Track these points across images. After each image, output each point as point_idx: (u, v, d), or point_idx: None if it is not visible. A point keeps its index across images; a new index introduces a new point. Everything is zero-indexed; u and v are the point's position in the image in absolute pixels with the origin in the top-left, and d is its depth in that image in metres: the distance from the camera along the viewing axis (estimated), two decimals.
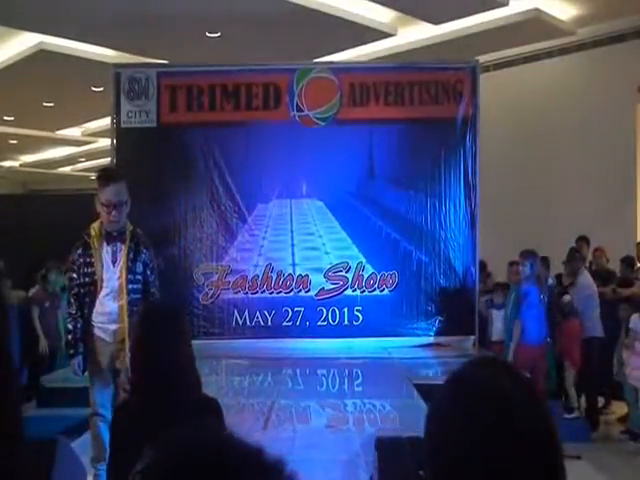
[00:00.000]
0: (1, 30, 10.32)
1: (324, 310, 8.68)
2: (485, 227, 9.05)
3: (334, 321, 8.68)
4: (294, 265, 8.84)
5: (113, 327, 4.35)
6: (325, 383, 7.64)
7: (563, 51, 10.87)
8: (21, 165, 21.38)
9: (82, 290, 4.33)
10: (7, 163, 21.10)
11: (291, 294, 8.79)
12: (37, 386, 7.29)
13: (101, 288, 4.32)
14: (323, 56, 10.84)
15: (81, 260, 4.32)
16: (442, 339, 8.69)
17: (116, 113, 8.85)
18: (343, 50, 11.01)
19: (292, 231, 8.96)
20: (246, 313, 8.74)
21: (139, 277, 4.36)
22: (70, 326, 4.39)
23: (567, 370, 7.35)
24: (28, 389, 7.89)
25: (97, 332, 4.36)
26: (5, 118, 15.48)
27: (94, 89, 12.29)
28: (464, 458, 1.02)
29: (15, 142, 17.83)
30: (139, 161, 8.80)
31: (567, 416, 7.02)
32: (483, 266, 9.20)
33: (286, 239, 8.92)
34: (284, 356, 8.16)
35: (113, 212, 4.24)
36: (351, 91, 8.88)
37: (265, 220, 8.97)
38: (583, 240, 8.61)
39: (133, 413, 2.31)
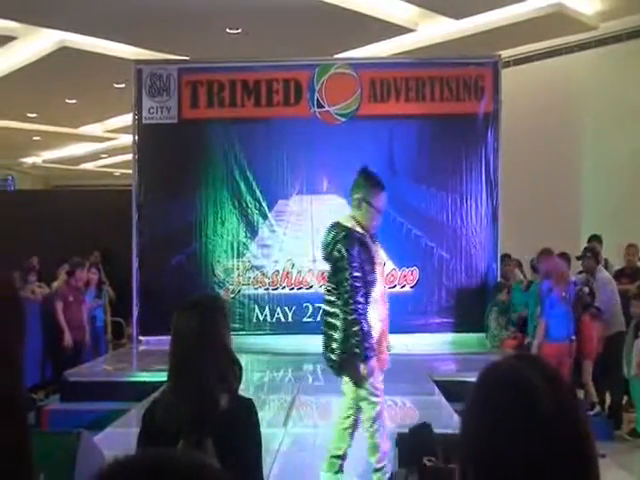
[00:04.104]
0: (24, 28, 10.41)
1: None
2: (507, 223, 8.99)
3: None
4: (314, 261, 8.84)
5: (379, 326, 4.27)
6: None
7: (585, 46, 10.75)
8: (44, 161, 21.58)
9: (371, 289, 4.18)
10: (30, 159, 21.31)
11: (311, 290, 8.79)
12: (60, 380, 7.36)
13: (377, 287, 4.24)
14: (344, 52, 10.82)
15: (365, 257, 4.18)
16: (463, 336, 8.65)
17: (138, 109, 8.91)
18: (364, 46, 10.97)
19: (313, 227, 8.96)
20: (267, 309, 8.77)
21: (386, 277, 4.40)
22: (366, 326, 4.09)
23: (585, 364, 7.29)
24: (52, 383, 7.98)
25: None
26: (29, 115, 15.63)
27: (116, 86, 12.37)
28: (491, 450, 1.01)
29: (38, 139, 18.00)
30: (160, 157, 8.87)
31: (589, 413, 6.96)
32: (509, 259, 9.13)
33: (307, 235, 8.92)
34: (304, 352, 8.17)
35: (379, 217, 4.31)
36: (372, 87, 8.85)
37: (286, 216, 8.98)
38: (595, 239, 8.55)
39: (161, 407, 2.30)
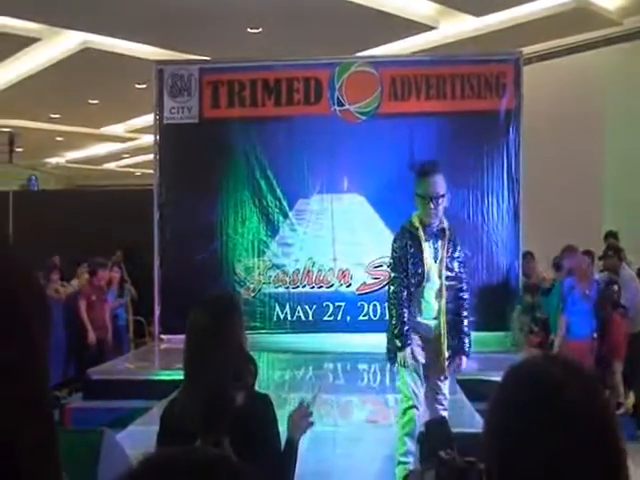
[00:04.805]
0: (47, 30, 10.52)
1: (365, 305, 8.66)
2: (530, 220, 8.91)
3: (375, 316, 8.64)
4: (335, 260, 8.84)
5: (432, 323, 4.30)
6: (366, 378, 7.63)
7: (609, 41, 10.64)
8: (67, 161, 21.80)
9: (412, 280, 4.26)
10: (54, 160, 21.53)
11: (332, 289, 8.79)
12: (83, 378, 7.41)
13: (425, 283, 4.27)
14: (364, 50, 10.80)
15: (412, 250, 4.25)
16: (484, 334, 8.58)
17: (159, 109, 8.95)
18: (384, 44, 10.95)
19: (333, 226, 8.95)
20: (287, 307, 8.78)
21: (454, 274, 4.32)
22: (403, 317, 4.26)
23: (615, 365, 7.22)
24: (75, 382, 8.06)
25: (417, 326, 4.32)
26: (52, 116, 15.79)
27: (137, 86, 12.46)
28: (516, 447, 1.01)
29: (61, 139, 18.18)
30: (181, 157, 8.91)
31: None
32: (531, 257, 9.04)
33: (327, 234, 8.91)
34: (325, 351, 8.17)
35: (431, 205, 4.20)
36: (392, 85, 8.82)
37: (306, 215, 8.98)
38: (611, 236, 8.48)
39: (178, 407, 2.30)
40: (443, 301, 4.27)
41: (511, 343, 8.16)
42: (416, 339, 4.30)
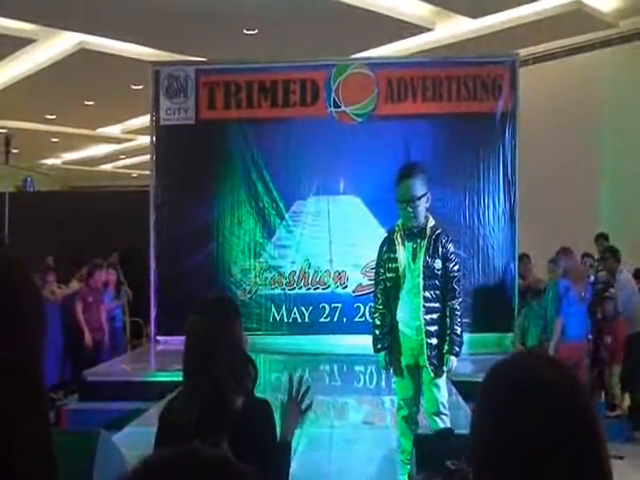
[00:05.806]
0: (43, 30, 10.51)
1: (361, 306, 8.66)
2: (527, 222, 8.93)
3: (371, 317, 8.64)
4: (331, 261, 8.84)
5: (415, 323, 4.30)
6: (362, 379, 7.63)
7: (605, 43, 10.66)
8: (63, 163, 21.76)
9: (388, 284, 4.37)
10: (49, 161, 21.49)
11: (328, 290, 8.79)
12: (79, 380, 7.40)
13: (403, 284, 4.32)
14: (361, 52, 10.81)
15: (386, 256, 4.38)
16: (480, 336, 8.59)
17: (155, 111, 8.94)
18: (381, 45, 10.96)
19: (329, 228, 8.95)
20: (283, 309, 8.77)
21: (437, 273, 4.28)
22: (378, 321, 4.41)
23: (614, 368, 7.23)
24: (71, 383, 8.04)
25: (401, 327, 4.36)
26: (47, 117, 15.77)
27: (134, 87, 12.45)
28: (505, 447, 1.01)
29: (57, 140, 18.15)
30: (178, 158, 8.90)
31: (610, 414, 6.91)
32: (527, 259, 9.05)
33: (323, 235, 8.91)
34: (321, 352, 8.17)
35: (407, 208, 4.28)
36: (389, 87, 8.82)
37: (303, 217, 8.98)
38: (602, 237, 8.50)
39: (176, 409, 2.29)
40: (421, 300, 4.27)
41: (513, 344, 8.17)
42: (398, 341, 4.35)
